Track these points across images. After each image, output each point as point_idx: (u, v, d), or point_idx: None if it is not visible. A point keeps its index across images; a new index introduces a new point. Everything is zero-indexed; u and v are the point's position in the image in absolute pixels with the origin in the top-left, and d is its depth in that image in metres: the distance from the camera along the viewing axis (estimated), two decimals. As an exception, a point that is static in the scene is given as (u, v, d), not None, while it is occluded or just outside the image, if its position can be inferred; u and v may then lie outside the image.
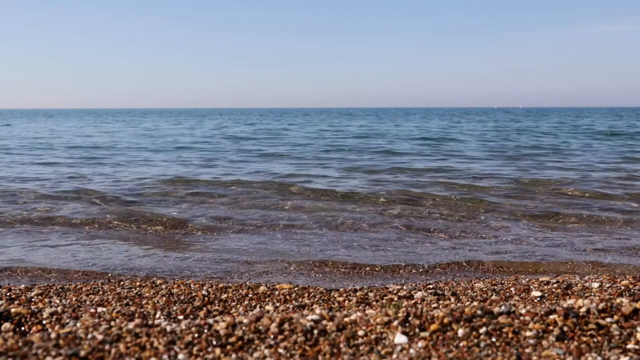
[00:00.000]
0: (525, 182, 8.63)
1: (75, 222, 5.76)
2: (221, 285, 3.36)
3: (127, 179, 9.16)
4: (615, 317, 1.98)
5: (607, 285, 3.29)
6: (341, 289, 3.30)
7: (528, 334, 1.89)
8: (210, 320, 1.96)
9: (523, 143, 17.93)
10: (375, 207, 6.60)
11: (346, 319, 1.98)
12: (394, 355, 1.77)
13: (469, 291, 3.29)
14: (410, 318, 1.98)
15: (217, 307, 3.00)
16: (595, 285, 3.29)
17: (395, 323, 1.95)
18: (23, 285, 3.44)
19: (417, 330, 1.92)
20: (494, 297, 3.14)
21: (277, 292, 3.25)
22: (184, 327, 1.89)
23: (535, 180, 8.81)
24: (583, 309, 2.02)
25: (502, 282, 3.55)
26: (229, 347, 1.80)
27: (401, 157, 13.29)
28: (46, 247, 4.77)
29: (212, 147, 16.91)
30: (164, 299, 3.10)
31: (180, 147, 16.93)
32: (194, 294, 3.19)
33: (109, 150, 15.58)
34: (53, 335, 1.80)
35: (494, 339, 1.86)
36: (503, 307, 2.04)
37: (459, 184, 8.52)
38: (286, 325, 1.92)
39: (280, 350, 1.79)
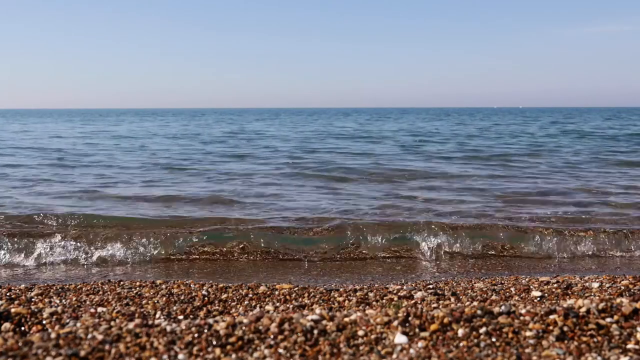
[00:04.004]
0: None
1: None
2: (221, 285, 3.36)
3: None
4: (615, 317, 1.98)
5: (607, 285, 3.30)
6: (341, 289, 3.30)
7: (528, 334, 1.89)
8: (210, 320, 1.96)
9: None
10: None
11: (346, 319, 1.98)
12: (394, 355, 1.77)
13: (469, 291, 3.29)
14: (410, 318, 1.98)
15: (217, 307, 3.00)
16: (595, 285, 3.29)
17: (395, 323, 1.95)
18: (23, 285, 3.44)
19: (417, 330, 1.92)
20: (494, 297, 3.15)
21: (277, 292, 3.25)
22: (184, 327, 1.89)
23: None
24: (583, 309, 2.02)
25: (502, 282, 3.55)
26: (229, 347, 1.80)
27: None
28: None
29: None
30: (164, 299, 3.10)
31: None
32: (194, 294, 3.19)
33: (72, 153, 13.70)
34: (53, 335, 1.80)
35: (494, 339, 1.86)
36: (503, 307, 2.04)
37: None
38: (286, 325, 1.92)
39: (280, 350, 1.79)
